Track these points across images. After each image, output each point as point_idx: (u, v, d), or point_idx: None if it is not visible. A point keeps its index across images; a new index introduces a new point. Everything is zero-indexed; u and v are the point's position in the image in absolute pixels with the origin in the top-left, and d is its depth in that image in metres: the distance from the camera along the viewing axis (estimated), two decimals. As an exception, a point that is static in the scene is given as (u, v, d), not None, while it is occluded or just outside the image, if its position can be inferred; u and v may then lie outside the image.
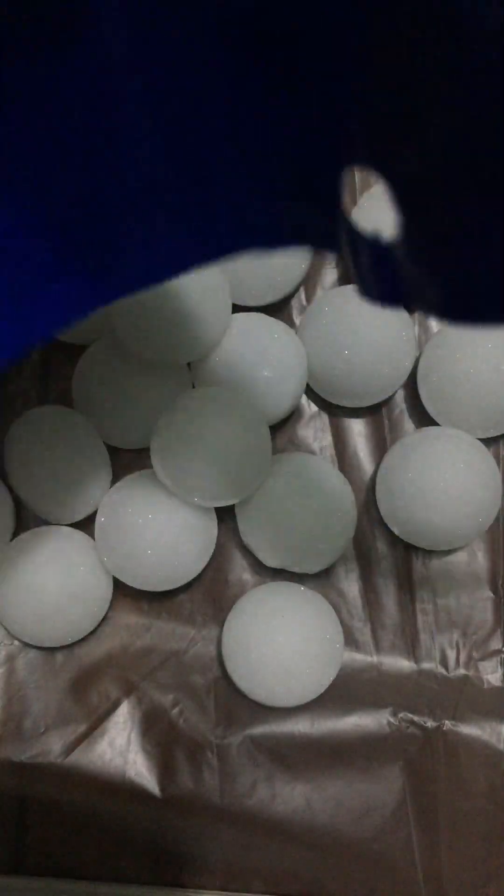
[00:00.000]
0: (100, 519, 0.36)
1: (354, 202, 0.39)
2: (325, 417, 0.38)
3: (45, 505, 0.36)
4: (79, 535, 0.36)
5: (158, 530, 0.34)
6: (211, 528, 0.36)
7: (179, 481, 0.34)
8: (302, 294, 0.39)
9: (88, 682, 0.37)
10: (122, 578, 0.35)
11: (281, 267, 0.36)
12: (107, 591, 0.36)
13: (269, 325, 0.36)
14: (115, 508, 0.35)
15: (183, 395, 0.35)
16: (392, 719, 0.36)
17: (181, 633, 0.37)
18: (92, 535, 0.36)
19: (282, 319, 0.37)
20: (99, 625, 0.37)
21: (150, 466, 0.34)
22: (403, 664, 0.36)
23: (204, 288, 0.34)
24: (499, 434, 0.36)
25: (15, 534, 0.37)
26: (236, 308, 0.36)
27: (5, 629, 0.37)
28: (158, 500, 0.34)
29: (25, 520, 0.37)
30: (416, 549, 0.37)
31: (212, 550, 0.36)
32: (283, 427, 0.38)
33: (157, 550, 0.34)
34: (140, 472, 0.36)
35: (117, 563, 0.35)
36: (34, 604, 0.35)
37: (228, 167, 0.18)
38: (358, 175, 0.39)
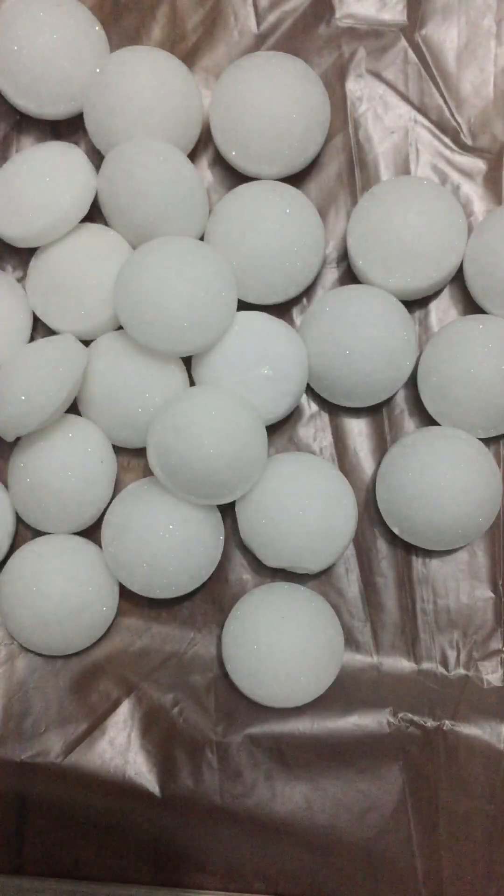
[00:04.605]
0: (107, 529, 0.36)
1: (355, 202, 0.39)
2: (325, 417, 0.38)
3: (50, 516, 0.36)
4: (86, 545, 0.36)
5: (167, 539, 0.34)
6: (218, 534, 0.36)
7: (175, 479, 0.34)
8: (303, 294, 0.39)
9: (89, 681, 0.37)
10: (131, 587, 0.35)
11: (292, 267, 0.36)
12: (112, 602, 0.36)
13: (270, 325, 0.36)
14: (122, 518, 0.35)
15: (180, 392, 0.35)
16: (392, 719, 0.36)
17: (181, 633, 0.37)
18: (97, 542, 0.36)
19: (283, 319, 0.37)
20: (99, 625, 0.37)
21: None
22: (403, 664, 0.36)
23: (211, 279, 0.34)
24: (499, 434, 0.36)
25: (14, 541, 0.37)
26: (242, 305, 0.36)
27: (6, 630, 0.37)
28: (166, 510, 0.34)
29: (23, 528, 0.37)
30: (416, 549, 0.37)
31: (219, 557, 0.36)
32: (283, 427, 0.38)
33: (167, 559, 0.34)
34: (147, 478, 0.36)
35: (126, 573, 0.35)
36: (40, 614, 0.35)
37: None
38: (358, 175, 0.39)
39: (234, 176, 0.39)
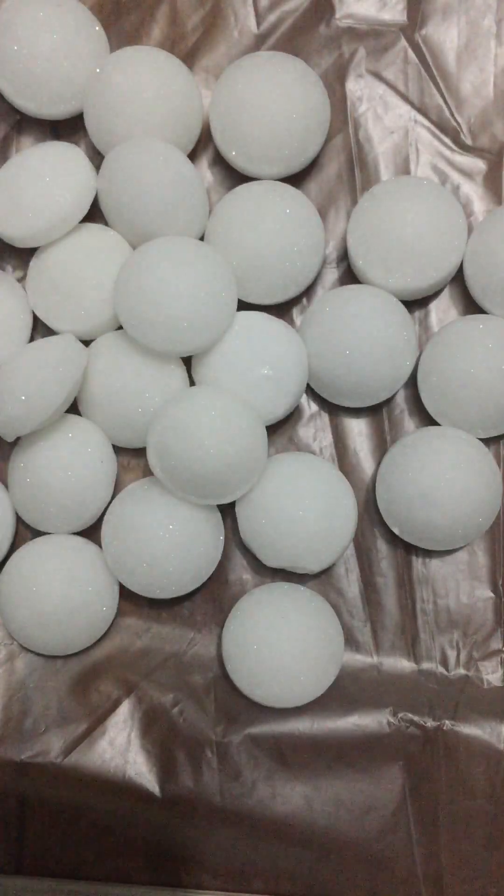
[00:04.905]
0: (107, 529, 0.36)
1: (355, 202, 0.39)
2: (325, 417, 0.38)
3: (50, 516, 0.36)
4: (86, 545, 0.36)
5: (167, 539, 0.34)
6: (218, 534, 0.36)
7: (175, 479, 0.34)
8: (303, 294, 0.39)
9: (89, 681, 0.37)
10: (131, 587, 0.35)
11: (292, 267, 0.36)
12: (112, 602, 0.36)
13: (270, 325, 0.36)
14: (122, 518, 0.35)
15: (180, 392, 0.35)
16: (392, 719, 0.36)
17: (181, 633, 0.37)
18: (97, 542, 0.36)
19: (283, 319, 0.37)
20: (99, 625, 0.37)
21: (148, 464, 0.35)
22: (403, 664, 0.36)
23: (211, 279, 0.34)
24: (499, 434, 0.36)
25: (14, 541, 0.37)
26: (242, 305, 0.36)
27: (6, 630, 0.37)
28: (167, 510, 0.34)
29: (23, 528, 0.37)
30: (416, 549, 0.37)
31: (219, 557, 0.36)
32: (283, 427, 0.38)
33: (167, 559, 0.34)
34: (147, 478, 0.36)
35: (126, 573, 0.35)
36: (40, 614, 0.35)
37: None
38: (358, 175, 0.39)
39: (234, 176, 0.39)
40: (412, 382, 0.37)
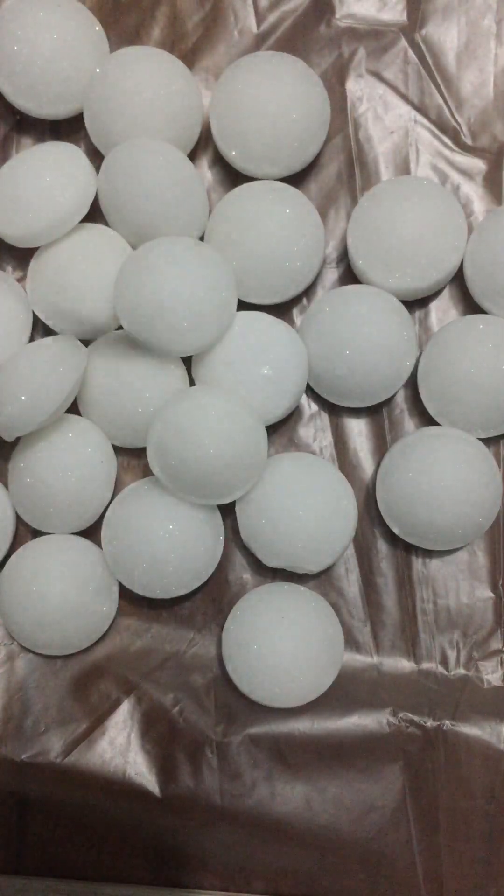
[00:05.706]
0: (107, 529, 0.36)
1: (355, 202, 0.39)
2: (325, 417, 0.38)
3: (50, 516, 0.36)
4: (86, 545, 0.36)
5: (167, 539, 0.34)
6: (218, 534, 0.36)
7: (175, 479, 0.34)
8: (303, 294, 0.39)
9: (89, 681, 0.37)
10: (131, 587, 0.35)
11: (292, 267, 0.36)
12: (112, 602, 0.36)
13: (270, 325, 0.36)
14: (122, 518, 0.35)
15: (180, 392, 0.35)
16: (392, 719, 0.36)
17: (181, 633, 0.37)
18: (97, 542, 0.36)
19: (283, 319, 0.37)
20: (99, 625, 0.37)
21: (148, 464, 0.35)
22: (403, 664, 0.36)
23: (211, 279, 0.34)
24: (499, 434, 0.36)
25: (14, 541, 0.37)
26: (242, 305, 0.36)
27: (6, 630, 0.37)
28: (167, 510, 0.34)
29: (23, 528, 0.37)
30: (416, 549, 0.37)
31: (219, 557, 0.36)
32: (283, 427, 0.38)
33: (167, 559, 0.34)
34: (147, 478, 0.36)
35: (126, 573, 0.35)
36: (40, 614, 0.35)
37: None
38: (358, 175, 0.39)
39: (234, 176, 0.39)
40: (412, 382, 0.37)
